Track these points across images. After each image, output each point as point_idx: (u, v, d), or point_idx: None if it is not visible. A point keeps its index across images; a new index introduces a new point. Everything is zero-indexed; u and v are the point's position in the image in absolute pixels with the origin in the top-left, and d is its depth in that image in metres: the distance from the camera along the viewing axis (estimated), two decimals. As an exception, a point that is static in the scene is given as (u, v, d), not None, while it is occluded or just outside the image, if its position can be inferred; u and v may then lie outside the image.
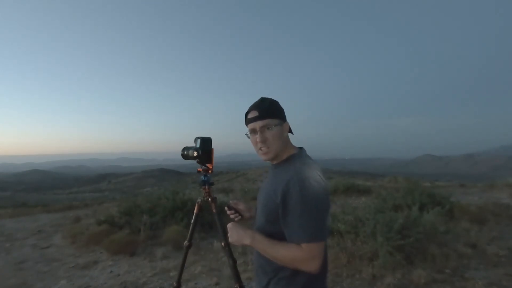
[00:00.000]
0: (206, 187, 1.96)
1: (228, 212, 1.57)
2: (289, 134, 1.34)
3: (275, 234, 1.22)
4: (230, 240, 1.31)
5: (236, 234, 1.28)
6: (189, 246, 2.04)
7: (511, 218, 5.68)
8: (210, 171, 1.95)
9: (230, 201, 1.61)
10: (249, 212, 1.56)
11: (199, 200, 2.01)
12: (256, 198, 1.45)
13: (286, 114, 1.33)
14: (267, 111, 1.25)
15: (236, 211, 1.56)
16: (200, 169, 1.94)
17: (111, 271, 4.00)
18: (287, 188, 1.15)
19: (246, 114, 1.31)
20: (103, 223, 5.54)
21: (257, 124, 1.26)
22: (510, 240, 4.50)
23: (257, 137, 1.26)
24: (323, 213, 1.16)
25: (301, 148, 1.34)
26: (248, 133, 1.31)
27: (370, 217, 3.86)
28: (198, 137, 1.90)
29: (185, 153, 1.95)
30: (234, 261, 1.85)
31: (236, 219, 1.56)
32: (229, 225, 1.33)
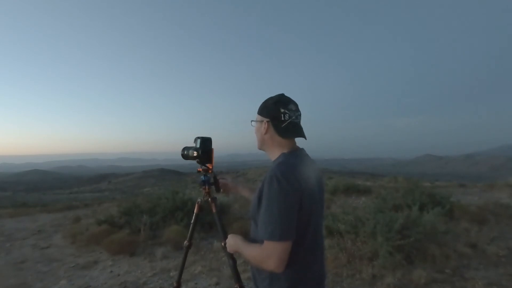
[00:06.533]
0: (206, 187, 1.96)
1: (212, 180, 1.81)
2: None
3: (254, 230, 1.27)
4: (228, 250, 1.43)
5: (230, 244, 1.41)
6: (189, 246, 2.04)
7: (511, 218, 5.69)
8: (210, 171, 1.94)
9: (220, 178, 1.83)
10: (235, 189, 1.80)
11: (199, 200, 2.00)
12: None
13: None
14: (258, 109, 1.37)
15: (217, 185, 1.79)
16: (200, 169, 1.94)
17: (111, 271, 4.00)
18: (262, 186, 1.19)
19: None
20: (103, 223, 5.55)
21: None
22: (510, 240, 4.50)
23: None
24: (288, 213, 1.13)
25: (297, 149, 1.33)
26: None
27: (370, 217, 3.86)
28: (198, 137, 1.90)
29: (185, 153, 1.95)
30: (234, 261, 1.85)
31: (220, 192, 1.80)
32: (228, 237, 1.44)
